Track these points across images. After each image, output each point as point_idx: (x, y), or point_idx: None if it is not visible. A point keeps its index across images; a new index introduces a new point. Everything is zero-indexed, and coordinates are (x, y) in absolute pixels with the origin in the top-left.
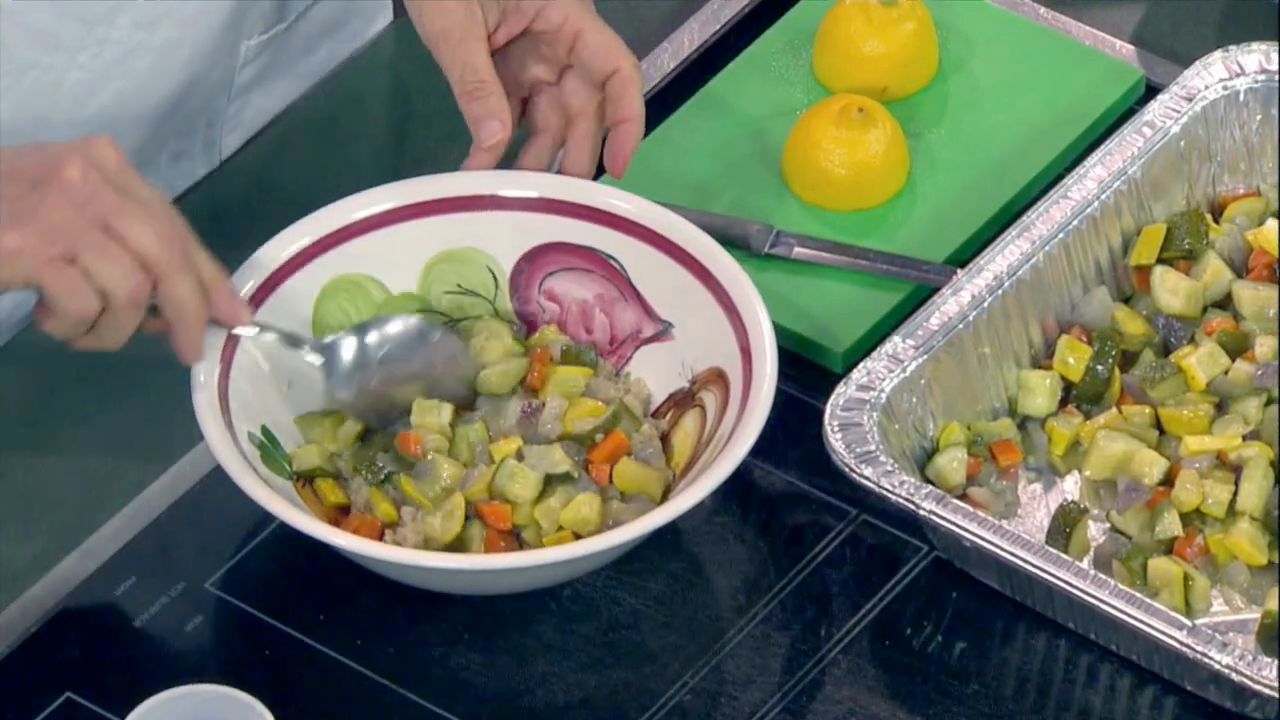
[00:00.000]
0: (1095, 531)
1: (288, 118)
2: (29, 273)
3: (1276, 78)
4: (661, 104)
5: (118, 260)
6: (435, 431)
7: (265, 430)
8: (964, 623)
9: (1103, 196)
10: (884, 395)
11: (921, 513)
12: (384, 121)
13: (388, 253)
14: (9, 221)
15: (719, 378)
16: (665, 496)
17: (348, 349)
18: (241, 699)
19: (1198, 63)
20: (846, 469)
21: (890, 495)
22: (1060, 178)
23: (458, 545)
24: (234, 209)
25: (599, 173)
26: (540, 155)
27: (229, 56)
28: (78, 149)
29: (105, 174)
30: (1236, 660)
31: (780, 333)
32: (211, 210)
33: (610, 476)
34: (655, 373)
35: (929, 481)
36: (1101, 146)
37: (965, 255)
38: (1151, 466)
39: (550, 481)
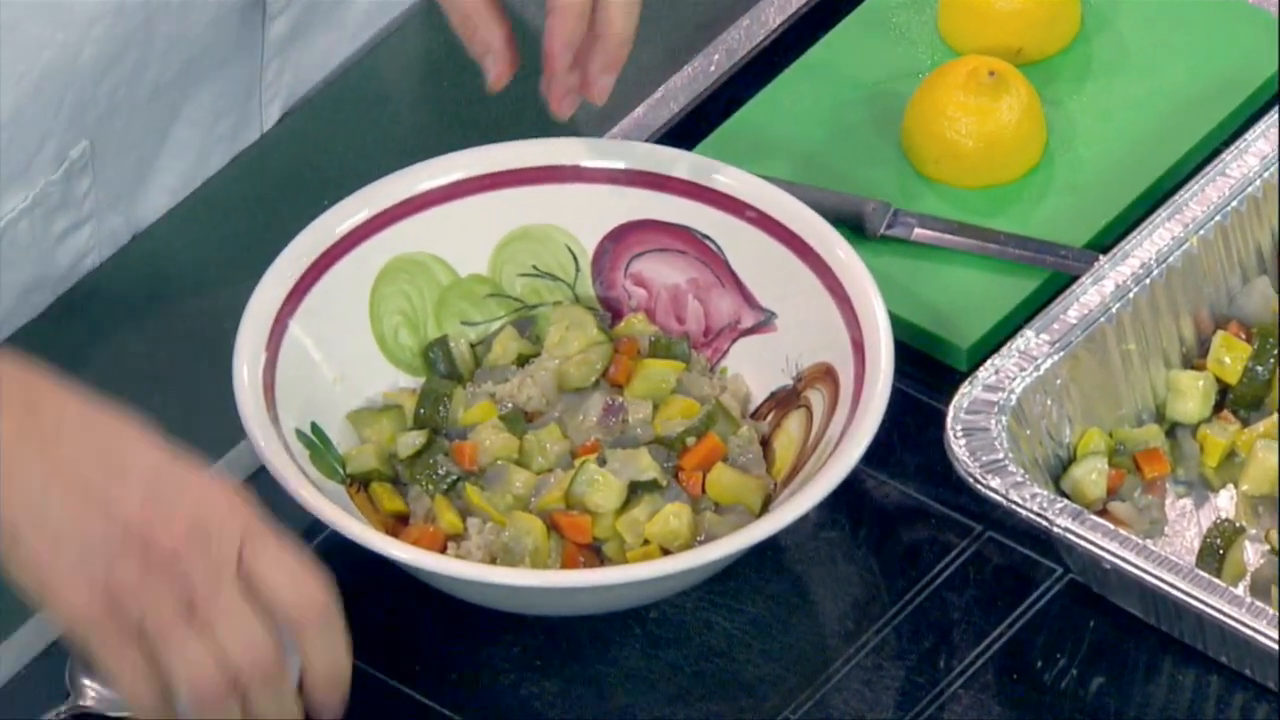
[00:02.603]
0: (1252, 554)
1: (338, 82)
2: (86, 638)
3: None
4: (766, 65)
5: (183, 654)
6: (497, 441)
7: (315, 428)
8: (1102, 655)
9: (1265, 174)
10: (1014, 397)
11: (1055, 530)
12: (447, 84)
13: (455, 230)
14: (79, 568)
15: (827, 375)
16: (765, 508)
17: None
18: None
19: None
20: (971, 479)
21: (1020, 510)
22: (1217, 152)
23: (530, 560)
24: (279, 185)
25: (691, 144)
26: (561, 29)
27: (253, 8)
28: (187, 502)
29: (216, 542)
30: None
31: (897, 325)
32: (254, 188)
33: (703, 485)
34: (755, 368)
35: (1064, 495)
36: (1265, 118)
37: (1108, 239)
38: None
39: (635, 490)
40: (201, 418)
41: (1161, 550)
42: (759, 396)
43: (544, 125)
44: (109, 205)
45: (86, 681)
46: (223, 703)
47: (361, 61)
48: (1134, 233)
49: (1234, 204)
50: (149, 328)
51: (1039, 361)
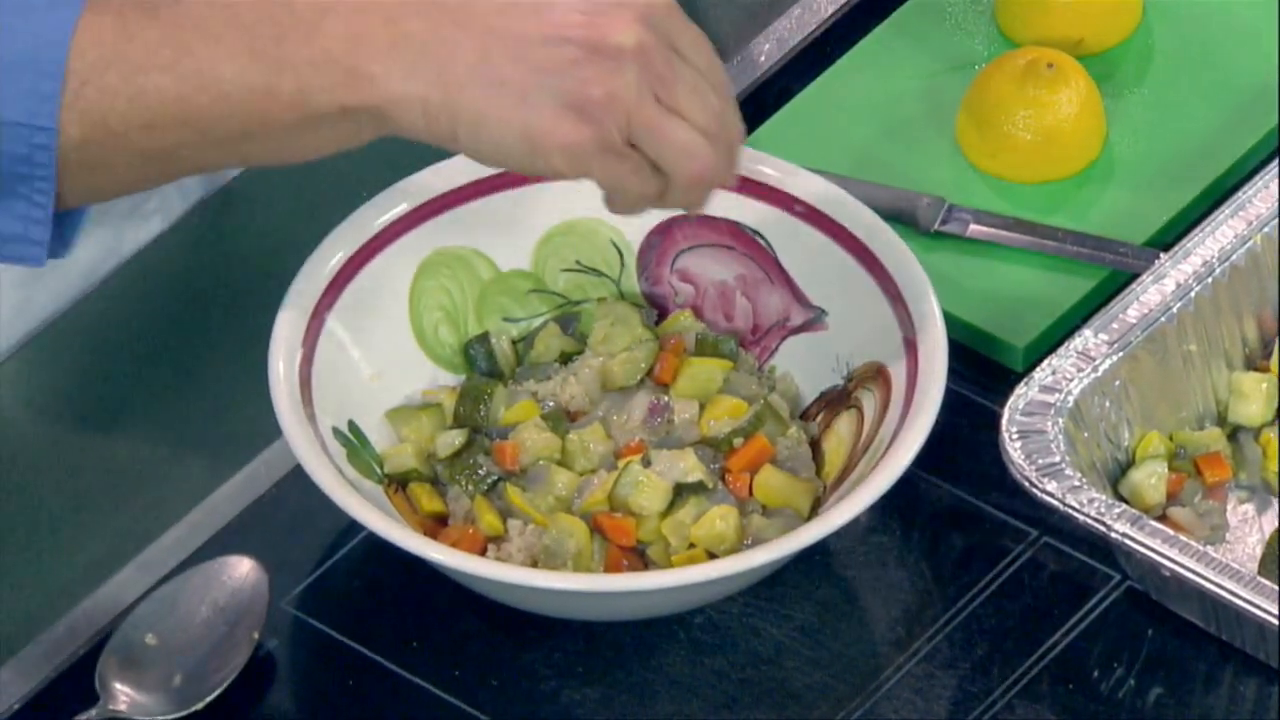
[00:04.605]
0: None
1: None
2: (588, 166)
3: None
4: (818, 56)
5: (676, 142)
6: (539, 440)
7: (353, 426)
8: (1161, 664)
9: None
10: (1071, 398)
11: (1113, 535)
12: None
13: (497, 224)
14: (561, 103)
15: (879, 375)
16: (814, 511)
17: None
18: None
19: None
20: (1026, 483)
21: (1077, 515)
22: None
23: (573, 563)
24: (318, 177)
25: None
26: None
27: None
28: (627, 1)
29: (657, 31)
30: None
31: (951, 323)
32: (293, 180)
33: (750, 487)
34: (805, 367)
35: (1122, 499)
36: None
37: (1169, 236)
38: None
39: (681, 492)
40: (237, 414)
41: (1222, 557)
42: (808, 396)
43: None
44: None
45: (117, 685)
46: (716, 173)
47: None
48: (1196, 230)
49: None
50: (184, 321)
51: (1097, 362)
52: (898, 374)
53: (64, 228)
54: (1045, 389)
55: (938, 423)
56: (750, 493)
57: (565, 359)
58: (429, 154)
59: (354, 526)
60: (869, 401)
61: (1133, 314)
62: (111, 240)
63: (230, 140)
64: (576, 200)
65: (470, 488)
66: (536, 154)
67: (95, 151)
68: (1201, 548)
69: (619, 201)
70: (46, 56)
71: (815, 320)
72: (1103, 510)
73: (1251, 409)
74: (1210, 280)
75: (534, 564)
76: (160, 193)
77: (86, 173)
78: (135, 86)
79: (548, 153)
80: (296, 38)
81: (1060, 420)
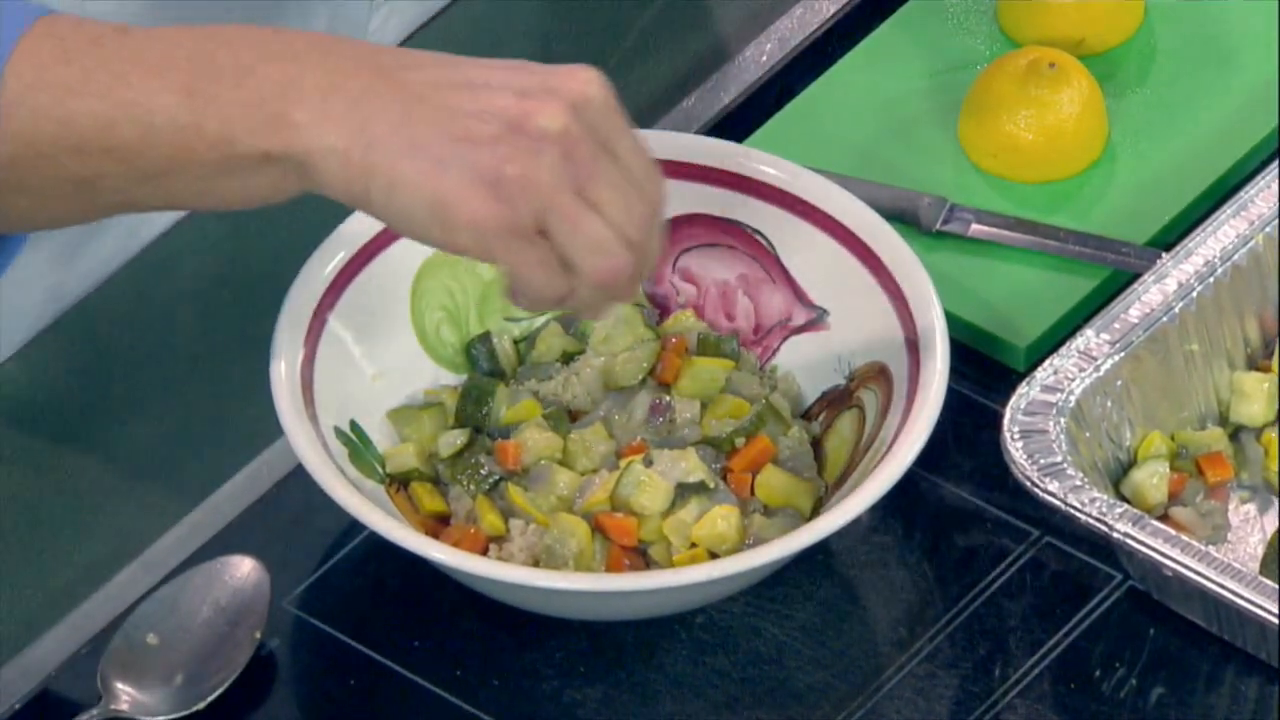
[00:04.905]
0: None
1: None
2: (490, 247)
3: None
4: (819, 55)
5: (589, 235)
6: (541, 440)
7: (354, 425)
8: (1163, 664)
9: None
10: (1073, 398)
11: (1115, 535)
12: None
13: None
14: (475, 177)
15: (881, 374)
16: (816, 511)
17: None
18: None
19: None
20: (1028, 483)
21: (1079, 514)
22: None
23: (574, 563)
24: None
25: (742, 136)
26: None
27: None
28: (560, 89)
29: (588, 123)
30: None
31: (953, 323)
32: None
33: (752, 487)
34: (806, 367)
35: (1124, 499)
36: None
37: (1171, 236)
38: None
39: (683, 491)
40: (238, 414)
41: (1224, 557)
42: (810, 396)
43: None
44: None
45: (119, 684)
46: (625, 276)
47: (409, 44)
48: (1197, 230)
49: None
50: (185, 321)
51: (1099, 362)
52: (899, 374)
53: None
54: (1047, 389)
55: (939, 422)
56: (752, 492)
57: (567, 359)
58: None
59: (355, 526)
60: (871, 401)
61: (1134, 314)
62: (137, 222)
63: (154, 175)
64: None
65: (472, 487)
66: (445, 226)
67: (22, 174)
68: (1203, 548)
69: (523, 293)
70: None
71: (817, 320)
72: (1104, 510)
73: (1253, 409)
74: (1212, 280)
75: (535, 564)
76: None
77: (14, 195)
78: (66, 109)
79: (454, 227)
80: (231, 79)
81: (1062, 420)
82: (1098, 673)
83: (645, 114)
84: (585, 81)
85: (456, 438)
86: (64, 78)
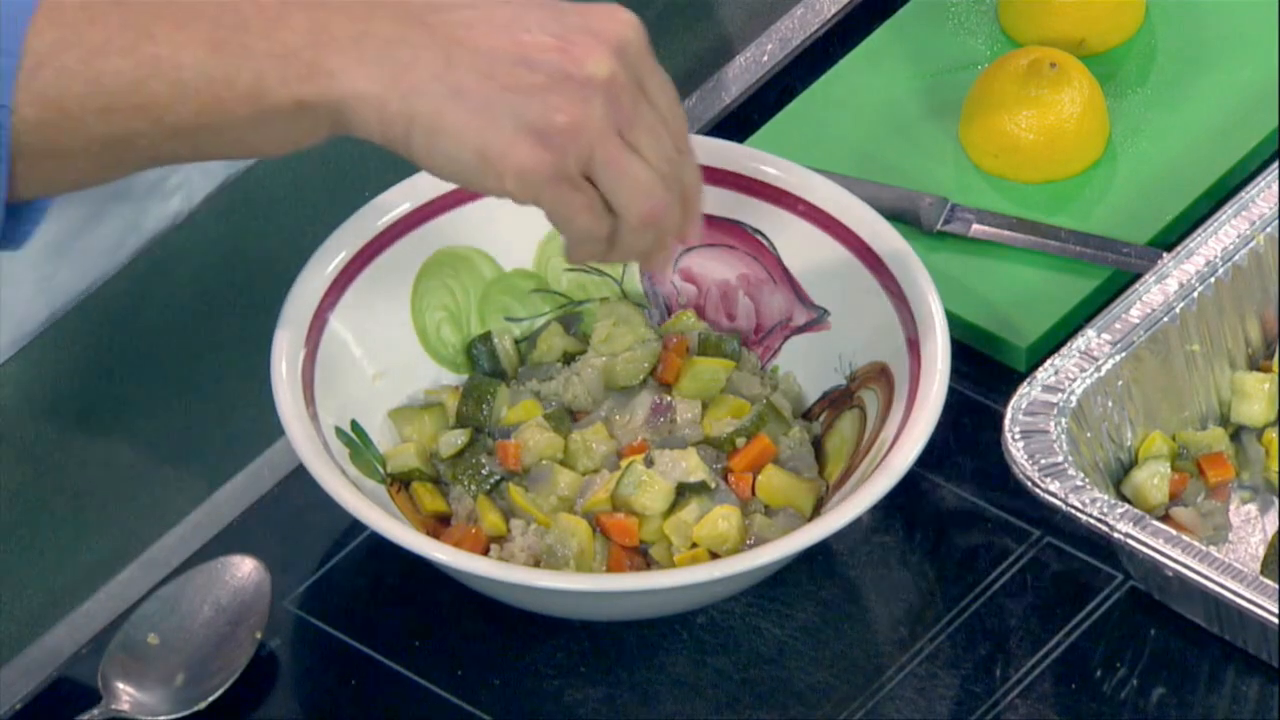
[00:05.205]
0: None
1: None
2: (537, 193)
3: None
4: (821, 55)
5: (633, 178)
6: (542, 440)
7: (355, 425)
8: (1163, 664)
9: None
10: (1074, 398)
11: (1116, 536)
12: None
13: (500, 224)
14: (522, 126)
15: (882, 374)
16: (817, 511)
17: None
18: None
19: None
20: (1029, 483)
21: (1080, 515)
22: None
23: (575, 563)
24: (321, 176)
25: (743, 136)
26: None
27: None
28: (602, 33)
29: (628, 67)
30: None
31: (954, 323)
32: (296, 179)
33: (753, 487)
34: (807, 367)
35: (1125, 499)
36: None
37: (1172, 236)
38: None
39: (683, 492)
40: (239, 414)
41: (1225, 557)
42: (811, 396)
43: None
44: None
45: (120, 684)
46: (668, 214)
47: None
48: (1198, 230)
49: None
50: (186, 321)
51: (1100, 362)
52: (900, 374)
53: (22, 219)
54: (1048, 389)
55: (940, 423)
56: (753, 492)
57: (568, 359)
58: None
59: (356, 526)
60: (871, 401)
61: (1135, 314)
62: (133, 215)
63: (185, 130)
64: None
65: (473, 487)
66: (489, 173)
67: (51, 135)
68: (1204, 548)
69: (569, 237)
70: (6, 33)
71: (818, 320)
72: (1105, 510)
73: (1254, 409)
74: (1213, 280)
75: (536, 564)
76: (182, 170)
77: (41, 158)
78: (94, 69)
79: (501, 173)
80: (258, 29)
81: (1063, 420)
82: (1099, 673)
83: None
84: (624, 23)
85: (457, 438)
86: (89, 37)
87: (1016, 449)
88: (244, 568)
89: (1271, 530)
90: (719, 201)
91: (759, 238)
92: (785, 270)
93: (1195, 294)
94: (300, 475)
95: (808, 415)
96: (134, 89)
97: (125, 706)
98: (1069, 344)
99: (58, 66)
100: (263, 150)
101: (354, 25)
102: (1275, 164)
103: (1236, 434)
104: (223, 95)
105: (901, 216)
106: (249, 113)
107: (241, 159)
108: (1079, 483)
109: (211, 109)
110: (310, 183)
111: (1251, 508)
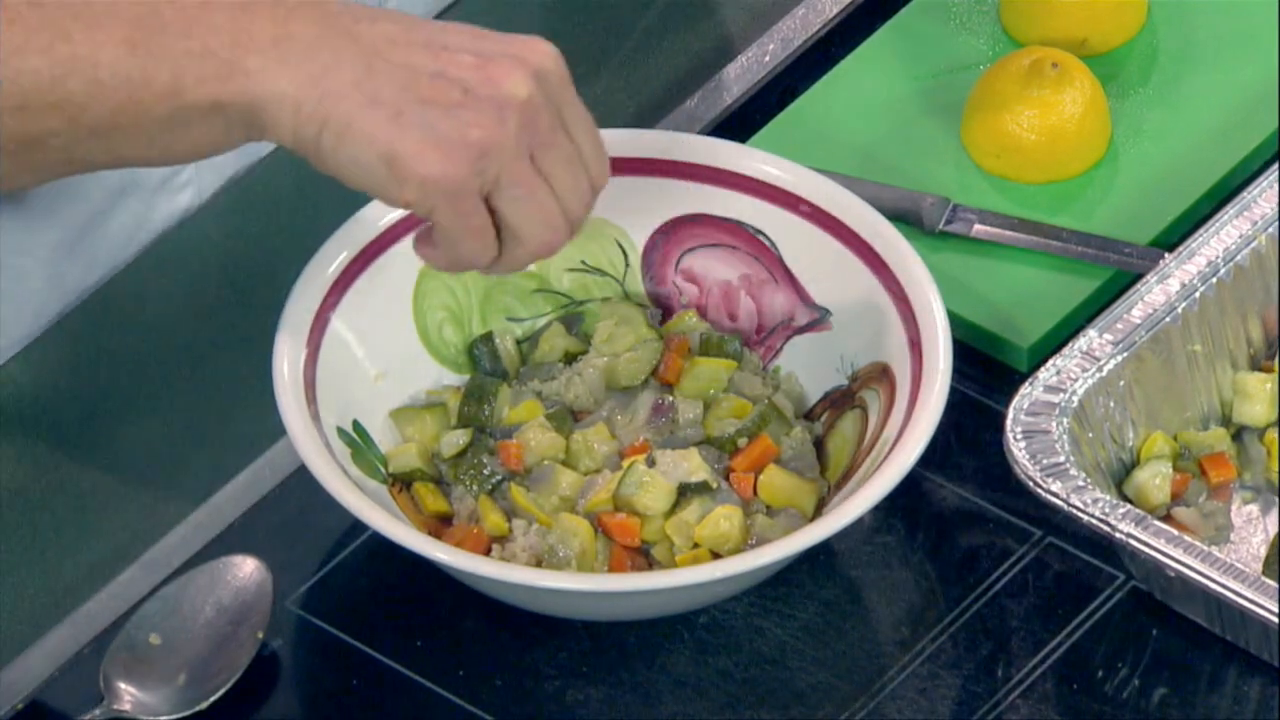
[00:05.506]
0: None
1: None
2: (436, 205)
3: None
4: (822, 55)
5: (540, 208)
6: (543, 440)
7: (357, 425)
8: (1165, 665)
9: None
10: (1076, 398)
11: (1118, 536)
12: None
13: None
14: (433, 138)
15: (883, 374)
16: (818, 511)
17: None
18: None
19: None
20: (1031, 483)
21: (1081, 515)
22: None
23: (577, 563)
24: (322, 175)
25: (745, 136)
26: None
27: None
28: (522, 57)
29: (547, 93)
30: None
31: (956, 323)
32: (296, 179)
33: (755, 487)
34: (809, 367)
35: (1127, 500)
36: None
37: (1174, 237)
38: None
39: (685, 492)
40: (241, 414)
41: (1227, 557)
42: (813, 396)
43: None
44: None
45: (121, 684)
46: (559, 249)
47: None
48: (1200, 230)
49: None
50: (187, 321)
51: (1102, 362)
52: (902, 374)
53: None
54: (1050, 389)
55: (942, 423)
56: (754, 493)
57: (570, 359)
58: None
59: (358, 526)
60: (873, 401)
61: (1137, 314)
62: (142, 210)
63: (101, 130)
64: None
65: (474, 487)
66: (391, 179)
67: None
68: (1206, 548)
69: (448, 254)
70: None
71: (819, 320)
72: (1107, 510)
73: (1256, 409)
74: (1214, 280)
75: (538, 564)
76: (193, 165)
77: None
78: (10, 68)
79: (404, 180)
80: (177, 30)
81: (1065, 420)
82: (1100, 673)
83: (648, 114)
84: (544, 53)
85: (459, 438)
86: (6, 37)
87: (1018, 449)
88: (245, 568)
89: (1273, 530)
90: (721, 202)
91: (761, 238)
92: (787, 270)
93: (1197, 294)
94: (302, 475)
95: (809, 415)
96: (50, 87)
97: (127, 706)
98: (1071, 344)
99: None
100: (177, 153)
101: (274, 28)
102: (1277, 164)
103: (1238, 434)
104: (140, 94)
105: (903, 217)
106: (165, 112)
107: (154, 165)
108: (1081, 483)
109: (128, 108)
110: (314, 181)
111: (1253, 508)
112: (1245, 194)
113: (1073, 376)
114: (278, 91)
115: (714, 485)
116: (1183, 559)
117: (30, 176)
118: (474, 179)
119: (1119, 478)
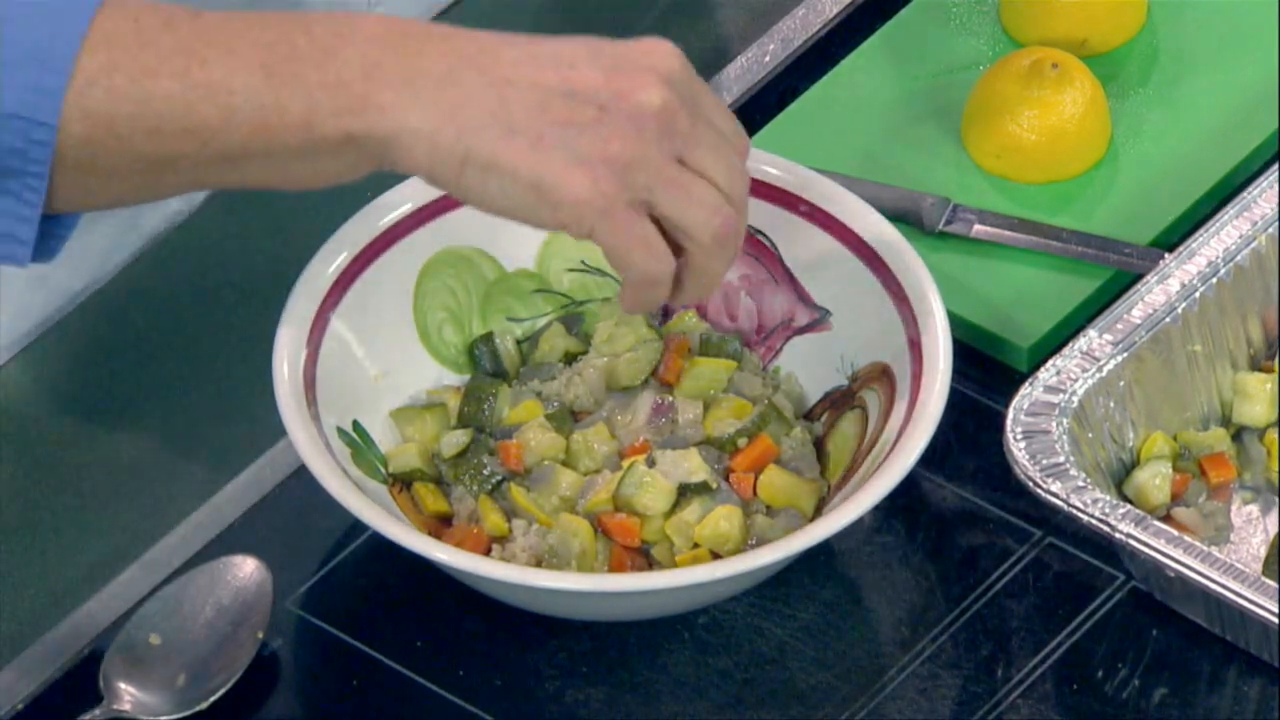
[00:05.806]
0: None
1: None
2: (594, 224)
3: None
4: (822, 56)
5: (700, 199)
6: (543, 440)
7: (357, 426)
8: (1165, 665)
9: None
10: (1076, 399)
11: (1118, 536)
12: None
13: (501, 224)
14: (576, 159)
15: (883, 375)
16: (818, 511)
17: None
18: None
19: None
20: (1031, 484)
21: (1081, 515)
22: None
23: (577, 563)
24: None
25: None
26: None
27: None
28: (647, 63)
29: (680, 93)
30: None
31: (956, 323)
32: None
33: (755, 487)
34: (809, 368)
35: (1127, 500)
36: None
37: (1174, 237)
38: None
39: (685, 492)
40: (241, 414)
41: (1227, 557)
42: (813, 396)
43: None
44: None
45: (121, 685)
46: (737, 234)
47: None
48: (1200, 230)
49: None
50: (187, 321)
51: (1102, 362)
52: (902, 374)
53: (51, 233)
54: (1050, 389)
55: (942, 423)
56: (754, 493)
57: (570, 359)
58: None
59: (358, 526)
60: (873, 402)
61: (1137, 314)
62: (129, 214)
63: (230, 157)
64: None
65: (475, 488)
66: (543, 205)
67: (96, 153)
68: (1206, 548)
69: (627, 281)
70: (57, 52)
71: (820, 320)
72: (1107, 511)
73: (1256, 409)
74: (1214, 280)
75: (538, 564)
76: None
77: (83, 175)
78: (144, 91)
79: (555, 204)
80: (311, 61)
81: (1065, 421)
82: (1100, 673)
83: None
84: (668, 54)
85: (459, 438)
86: (140, 59)
87: (1018, 449)
88: (246, 568)
89: (1273, 531)
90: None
91: (761, 238)
92: (787, 271)
93: (1197, 294)
94: (302, 475)
95: (809, 416)
96: (184, 112)
97: (127, 707)
98: (1071, 344)
99: (108, 86)
100: (304, 181)
101: (405, 63)
102: (1277, 164)
103: (1238, 434)
104: (273, 123)
105: (903, 217)
106: (297, 142)
107: (281, 190)
108: (1081, 483)
109: (260, 136)
110: None
111: (1253, 508)
112: (1245, 194)
113: (1073, 377)
114: (413, 127)
115: (714, 485)
116: (1183, 559)
117: (152, 193)
118: (623, 193)
119: (1119, 478)
